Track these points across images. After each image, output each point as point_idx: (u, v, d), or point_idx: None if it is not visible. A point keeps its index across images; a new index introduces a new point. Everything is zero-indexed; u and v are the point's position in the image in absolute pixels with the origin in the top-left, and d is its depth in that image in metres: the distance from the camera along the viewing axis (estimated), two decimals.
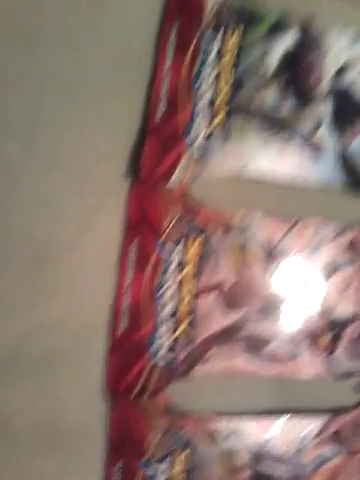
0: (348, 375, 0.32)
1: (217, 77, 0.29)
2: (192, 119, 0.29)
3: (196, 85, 0.29)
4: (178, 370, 0.29)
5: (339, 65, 0.31)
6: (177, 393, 0.29)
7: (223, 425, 0.29)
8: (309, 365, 0.31)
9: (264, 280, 0.30)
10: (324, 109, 0.31)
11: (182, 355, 0.29)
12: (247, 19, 0.29)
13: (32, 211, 0.28)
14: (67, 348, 0.28)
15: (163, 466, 0.28)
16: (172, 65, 0.28)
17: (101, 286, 0.28)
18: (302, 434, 0.31)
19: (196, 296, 0.29)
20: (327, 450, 0.31)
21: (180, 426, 0.29)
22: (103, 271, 0.28)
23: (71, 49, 0.28)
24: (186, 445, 0.28)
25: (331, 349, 0.31)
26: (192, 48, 0.29)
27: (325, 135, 0.31)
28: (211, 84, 0.29)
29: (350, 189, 0.32)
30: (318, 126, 0.31)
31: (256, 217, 0.30)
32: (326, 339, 0.31)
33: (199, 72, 0.29)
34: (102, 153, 0.28)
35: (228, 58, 0.29)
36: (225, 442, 0.29)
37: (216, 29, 0.29)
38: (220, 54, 0.29)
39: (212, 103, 0.29)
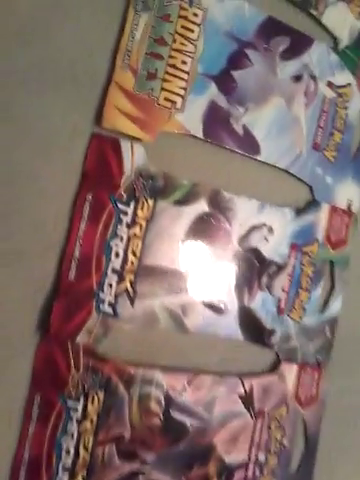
0: None
1: (127, 245, 0.31)
2: (102, 282, 0.30)
3: (107, 252, 0.30)
4: None
5: (244, 230, 0.34)
6: None
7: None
8: None
9: (162, 431, 0.32)
10: (230, 269, 0.34)
11: None
12: (159, 191, 0.31)
13: None
14: None
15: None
16: (85, 232, 0.30)
17: None
18: None
19: (94, 447, 0.30)
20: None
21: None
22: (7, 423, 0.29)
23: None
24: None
25: None
26: (105, 218, 0.30)
27: (227, 293, 0.34)
28: (121, 252, 0.30)
29: (250, 340, 0.35)
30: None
31: (157, 370, 0.32)
32: None
33: (110, 240, 0.30)
34: (14, 308, 0.29)
35: (138, 228, 0.31)
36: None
37: (128, 202, 0.31)
38: (131, 225, 0.31)
39: (122, 268, 0.31)
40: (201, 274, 0.33)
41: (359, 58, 0.38)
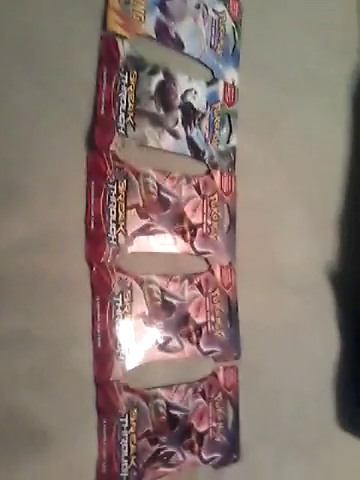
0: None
1: (127, 96, 0.55)
2: (118, 113, 0.55)
3: (118, 100, 0.55)
4: None
5: (183, 91, 0.61)
6: None
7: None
8: None
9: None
10: (178, 114, 0.60)
11: None
12: (138, 66, 0.56)
13: None
14: None
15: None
16: (106, 89, 0.54)
17: None
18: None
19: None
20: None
21: None
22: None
23: None
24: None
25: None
26: (114, 81, 0.54)
27: (179, 127, 0.60)
28: (125, 100, 0.55)
29: (194, 156, 0.62)
30: (176, 123, 0.60)
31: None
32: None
33: (119, 93, 0.55)
34: None
35: (131, 87, 0.56)
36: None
37: (124, 71, 0.55)
38: (128, 84, 0.55)
39: (126, 108, 0.55)
40: (165, 115, 0.59)
41: None
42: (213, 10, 0.65)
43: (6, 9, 0.49)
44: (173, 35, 0.60)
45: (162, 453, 0.55)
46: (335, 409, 0.75)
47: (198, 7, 0.63)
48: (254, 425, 0.64)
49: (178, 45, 0.61)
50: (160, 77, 0.58)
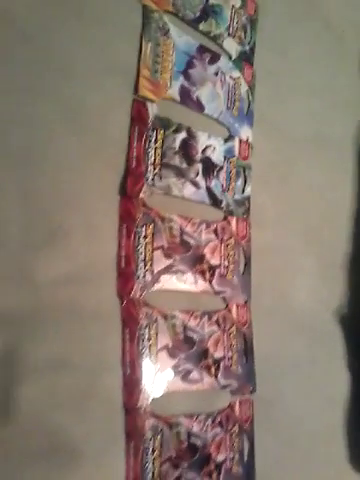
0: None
1: (155, 151, 0.63)
2: (147, 166, 0.62)
3: (147, 155, 0.62)
4: None
5: (203, 147, 0.68)
6: None
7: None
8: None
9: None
10: (198, 167, 0.68)
11: None
12: (165, 125, 0.64)
13: None
14: None
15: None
16: (137, 145, 0.61)
17: None
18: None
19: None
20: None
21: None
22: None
23: None
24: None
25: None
26: (144, 138, 0.62)
27: (200, 178, 0.67)
28: (153, 154, 0.63)
29: (212, 204, 0.69)
30: (197, 174, 0.67)
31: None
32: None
33: (147, 149, 0.62)
34: None
35: (159, 143, 0.63)
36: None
37: (153, 130, 0.63)
38: (155, 141, 0.63)
39: (154, 162, 0.63)
40: (186, 168, 0.66)
41: (241, 64, 0.75)
42: (230, 76, 0.73)
43: (54, 75, 0.57)
44: (195, 98, 0.68)
45: (183, 479, 0.59)
46: (347, 448, 0.78)
47: (216, 74, 0.72)
48: (268, 457, 0.67)
49: (199, 107, 0.69)
50: (183, 135, 0.66)
